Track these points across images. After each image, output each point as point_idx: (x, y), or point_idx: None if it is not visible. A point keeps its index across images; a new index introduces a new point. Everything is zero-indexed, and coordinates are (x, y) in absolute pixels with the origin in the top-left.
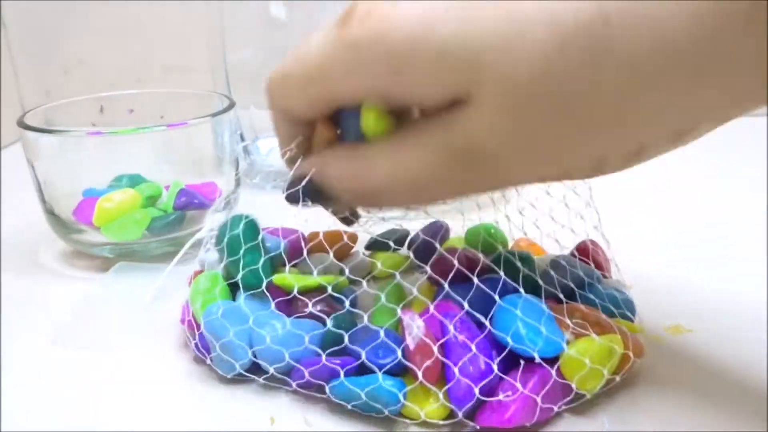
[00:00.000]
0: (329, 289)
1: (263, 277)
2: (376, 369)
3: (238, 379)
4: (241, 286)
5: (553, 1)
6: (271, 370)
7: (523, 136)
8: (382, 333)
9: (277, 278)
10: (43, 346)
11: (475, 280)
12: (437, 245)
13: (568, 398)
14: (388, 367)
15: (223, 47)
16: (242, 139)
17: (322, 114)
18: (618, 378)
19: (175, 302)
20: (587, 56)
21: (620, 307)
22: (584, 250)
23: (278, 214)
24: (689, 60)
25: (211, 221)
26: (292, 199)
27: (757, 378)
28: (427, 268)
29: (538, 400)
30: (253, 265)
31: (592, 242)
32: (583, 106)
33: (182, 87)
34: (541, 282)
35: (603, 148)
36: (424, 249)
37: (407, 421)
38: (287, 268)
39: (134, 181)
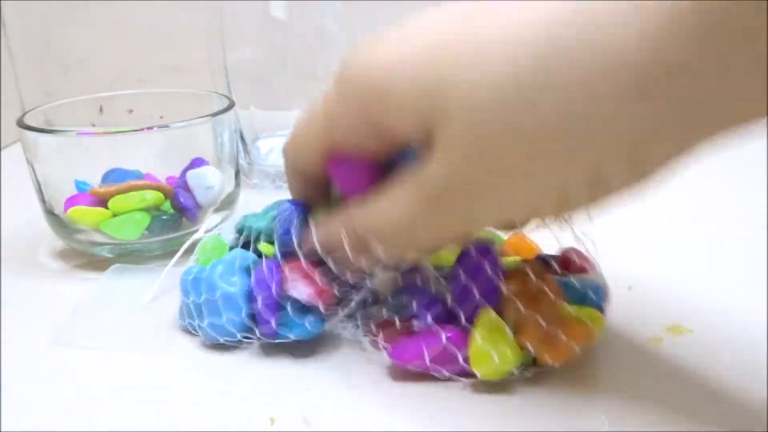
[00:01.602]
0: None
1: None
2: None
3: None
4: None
5: (510, 29)
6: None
7: (485, 171)
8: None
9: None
10: (42, 346)
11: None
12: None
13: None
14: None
15: (223, 47)
16: (242, 138)
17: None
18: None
19: (174, 302)
20: (539, 79)
21: (586, 295)
22: (566, 261)
23: None
24: (634, 74)
25: (210, 222)
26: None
27: (757, 378)
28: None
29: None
30: None
31: (575, 251)
32: (538, 132)
33: (182, 87)
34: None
35: (562, 177)
36: None
37: None
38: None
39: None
